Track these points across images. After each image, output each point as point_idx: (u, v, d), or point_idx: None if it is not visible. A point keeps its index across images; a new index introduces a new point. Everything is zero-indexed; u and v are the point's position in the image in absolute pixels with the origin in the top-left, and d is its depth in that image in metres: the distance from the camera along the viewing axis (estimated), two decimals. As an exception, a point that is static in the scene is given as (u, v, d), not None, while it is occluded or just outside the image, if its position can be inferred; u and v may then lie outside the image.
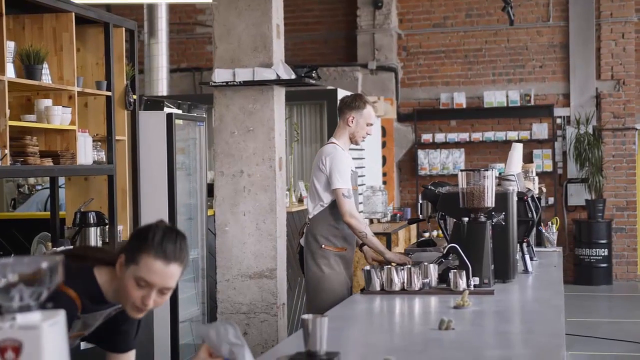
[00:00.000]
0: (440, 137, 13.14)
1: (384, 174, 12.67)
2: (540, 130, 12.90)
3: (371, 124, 5.43)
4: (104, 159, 5.77)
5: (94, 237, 5.56)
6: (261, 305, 5.81)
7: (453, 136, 13.12)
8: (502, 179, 5.28)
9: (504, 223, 4.61)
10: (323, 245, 5.28)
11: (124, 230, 6.03)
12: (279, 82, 5.80)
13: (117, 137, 5.92)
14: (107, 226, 5.74)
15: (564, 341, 3.15)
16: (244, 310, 5.83)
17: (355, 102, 5.40)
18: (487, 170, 4.50)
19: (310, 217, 5.34)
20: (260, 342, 5.81)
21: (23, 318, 1.75)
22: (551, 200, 12.80)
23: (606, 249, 12.51)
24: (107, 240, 5.76)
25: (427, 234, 11.71)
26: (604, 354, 8.33)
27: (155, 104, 6.83)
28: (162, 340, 6.50)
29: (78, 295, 2.69)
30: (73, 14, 5.40)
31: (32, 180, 9.10)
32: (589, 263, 12.50)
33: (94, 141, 5.68)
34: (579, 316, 10.15)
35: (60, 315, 1.80)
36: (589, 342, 8.76)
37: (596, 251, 12.48)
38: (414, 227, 11.52)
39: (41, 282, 1.78)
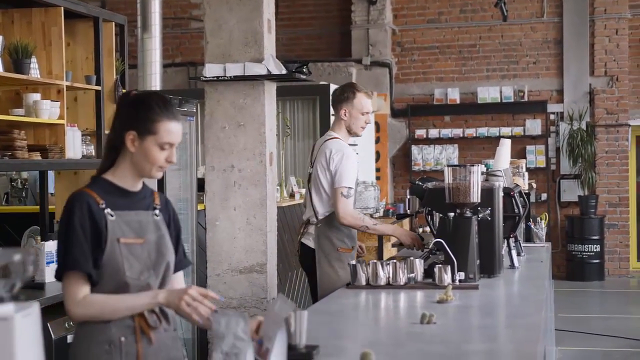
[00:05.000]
0: (434, 132, 13.17)
1: (378, 170, 12.69)
2: (534, 126, 12.92)
3: (367, 112, 5.28)
4: (94, 153, 5.78)
5: (83, 231, 5.56)
6: (251, 299, 5.82)
7: (447, 132, 13.14)
8: (489, 174, 5.30)
9: (489, 218, 4.63)
10: (339, 248, 5.19)
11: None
12: (269, 77, 5.80)
13: (106, 132, 5.93)
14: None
15: (541, 335, 3.17)
16: (234, 305, 5.84)
17: (344, 93, 5.28)
18: (473, 165, 4.51)
19: (319, 217, 5.21)
20: (250, 336, 5.83)
21: (-5, 309, 1.77)
22: (544, 196, 12.83)
23: (598, 245, 12.55)
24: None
25: (421, 229, 11.73)
26: (594, 349, 8.36)
27: (146, 98, 6.82)
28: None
29: (92, 190, 2.89)
30: (62, 8, 5.41)
31: (25, 174, 9.10)
32: (582, 259, 12.53)
33: (83, 135, 5.69)
34: (570, 312, 10.18)
35: (34, 307, 1.82)
36: (580, 337, 8.79)
37: (589, 247, 12.52)
38: (407, 222, 11.55)
39: (14, 274, 1.80)
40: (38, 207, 6.07)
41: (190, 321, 2.79)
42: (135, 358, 2.86)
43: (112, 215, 2.87)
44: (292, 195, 8.38)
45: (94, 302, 2.83)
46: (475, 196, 4.49)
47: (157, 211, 3.01)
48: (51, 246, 4.98)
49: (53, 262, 5.01)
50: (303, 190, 8.60)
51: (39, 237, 5.58)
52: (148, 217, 2.98)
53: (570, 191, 12.87)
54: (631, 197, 13.09)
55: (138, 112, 2.91)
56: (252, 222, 5.86)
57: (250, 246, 5.85)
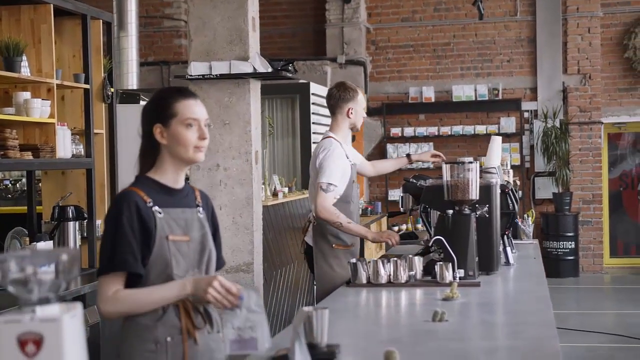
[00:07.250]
0: (409, 131, 13.19)
1: (354, 168, 12.68)
2: (508, 124, 13.00)
3: (364, 107, 5.43)
4: (82, 153, 5.70)
5: (73, 231, 5.49)
6: (238, 299, 5.78)
7: (422, 130, 13.18)
8: (483, 171, 5.31)
9: (487, 215, 4.63)
10: (334, 245, 5.21)
11: (102, 225, 5.96)
12: (255, 75, 5.78)
13: (95, 131, 5.85)
14: (85, 220, 5.68)
15: (556, 332, 3.18)
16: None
17: (348, 93, 5.33)
18: (472, 162, 4.51)
19: (315, 215, 5.21)
20: (237, 335, 5.79)
21: (43, 311, 1.73)
22: (519, 193, 12.90)
23: (573, 242, 12.65)
24: (85, 234, 5.69)
25: (396, 228, 11.77)
26: (574, 345, 8.41)
27: (131, 97, 6.78)
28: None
29: (139, 188, 2.88)
30: (51, 5, 5.32)
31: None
32: (557, 255, 12.62)
33: (72, 134, 5.61)
34: (548, 308, 10.24)
35: (79, 308, 1.78)
36: (559, 333, 8.83)
37: (563, 244, 12.61)
38: (384, 220, 11.57)
39: (60, 275, 1.76)
40: (21, 207, 5.98)
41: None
42: (182, 358, 2.84)
43: (160, 213, 2.87)
44: (275, 194, 8.34)
45: (122, 298, 2.80)
46: (474, 193, 4.49)
47: (200, 208, 3.01)
48: (43, 247, 4.90)
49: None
50: (286, 189, 8.60)
51: (27, 239, 5.48)
52: (193, 215, 2.97)
53: (545, 188, 12.97)
54: (604, 194, 13.21)
55: (156, 106, 2.94)
56: (239, 221, 5.83)
57: (237, 245, 5.82)
